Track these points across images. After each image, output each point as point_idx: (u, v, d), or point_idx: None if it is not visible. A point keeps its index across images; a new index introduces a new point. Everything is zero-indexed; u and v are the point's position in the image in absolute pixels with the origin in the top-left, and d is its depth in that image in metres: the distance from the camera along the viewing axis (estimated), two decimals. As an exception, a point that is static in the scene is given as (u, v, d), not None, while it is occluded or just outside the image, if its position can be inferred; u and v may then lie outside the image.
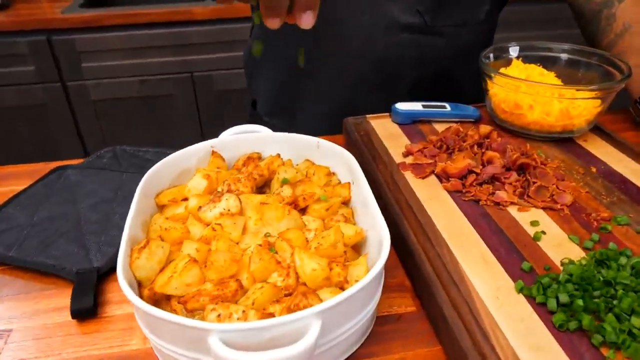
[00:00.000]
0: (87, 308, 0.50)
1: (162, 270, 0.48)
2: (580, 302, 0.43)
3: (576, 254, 0.50)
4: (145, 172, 0.73)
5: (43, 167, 0.77)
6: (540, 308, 0.44)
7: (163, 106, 1.98)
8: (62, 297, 0.54)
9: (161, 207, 0.59)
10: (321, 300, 0.44)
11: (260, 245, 0.49)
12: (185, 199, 0.59)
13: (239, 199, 0.54)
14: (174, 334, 0.41)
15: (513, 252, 0.51)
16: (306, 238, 0.51)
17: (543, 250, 0.51)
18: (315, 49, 0.86)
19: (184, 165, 0.63)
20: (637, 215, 0.55)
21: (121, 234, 0.60)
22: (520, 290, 0.46)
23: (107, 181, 0.71)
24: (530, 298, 0.45)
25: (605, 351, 0.40)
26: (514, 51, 0.75)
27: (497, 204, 0.57)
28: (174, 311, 0.45)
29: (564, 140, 0.70)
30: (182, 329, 0.40)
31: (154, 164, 0.75)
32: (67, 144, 1.99)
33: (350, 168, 0.60)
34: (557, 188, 0.59)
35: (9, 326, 0.50)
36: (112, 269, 0.57)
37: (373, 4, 0.82)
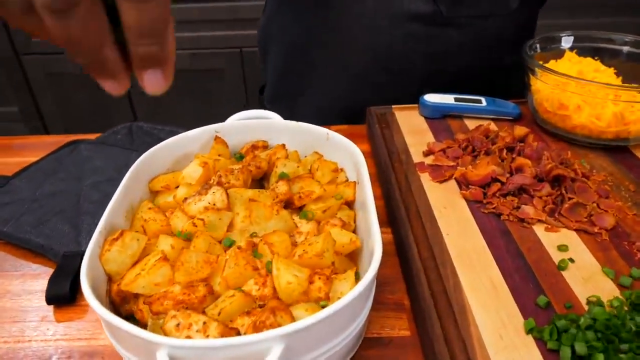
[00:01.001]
0: (62, 294, 0.49)
1: (133, 265, 0.45)
2: (601, 357, 0.35)
3: (608, 291, 0.42)
4: (155, 152, 0.71)
5: (63, 139, 0.77)
6: (551, 356, 0.37)
7: (212, 80, 1.97)
8: (46, 280, 0.52)
9: (154, 193, 0.56)
10: (292, 320, 0.39)
11: (239, 247, 0.44)
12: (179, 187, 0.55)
13: (227, 193, 0.49)
14: (127, 340, 0.38)
15: (530, 281, 0.43)
16: (294, 242, 0.46)
17: (567, 283, 0.43)
18: (315, 39, 0.79)
19: (184, 150, 0.59)
20: (694, 249, 0.45)
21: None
22: (529, 331, 0.38)
23: (115, 158, 0.69)
24: (540, 341, 0.38)
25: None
26: (566, 41, 0.65)
27: (522, 220, 0.49)
28: (140, 311, 0.42)
29: (616, 148, 0.60)
30: (133, 337, 0.36)
31: (165, 144, 0.74)
32: (118, 110, 2.04)
33: (356, 165, 0.54)
34: (598, 207, 0.50)
35: (-12, 305, 0.50)
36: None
37: None
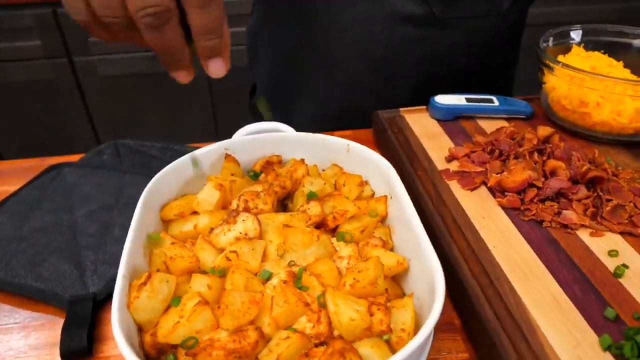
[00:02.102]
0: (80, 348, 0.43)
1: (166, 310, 0.40)
2: None
3: (669, 296, 0.41)
4: (149, 172, 0.65)
5: (38, 164, 0.69)
6: (633, 374, 0.35)
7: (174, 83, 1.88)
8: (53, 330, 0.46)
9: (166, 222, 0.51)
10: (361, 358, 0.35)
11: (284, 281, 0.40)
12: (195, 213, 0.50)
13: (258, 220, 0.45)
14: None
15: (591, 291, 0.42)
16: (339, 270, 0.43)
17: (628, 291, 0.42)
18: (308, 45, 0.76)
19: (192, 171, 0.54)
20: None
21: (121, 250, 0.53)
22: (607, 348, 0.37)
23: (106, 183, 0.63)
24: (620, 358, 0.36)
25: None
26: (576, 35, 0.64)
27: (565, 226, 0.48)
28: (181, 364, 0.37)
29: (635, 144, 0.60)
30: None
31: (159, 162, 0.68)
32: (74, 122, 1.91)
33: (387, 178, 0.51)
34: (635, 206, 0.49)
35: (-11, 367, 0.43)
36: (111, 295, 0.49)
37: None
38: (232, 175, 0.54)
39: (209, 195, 0.50)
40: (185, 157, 0.53)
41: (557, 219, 0.48)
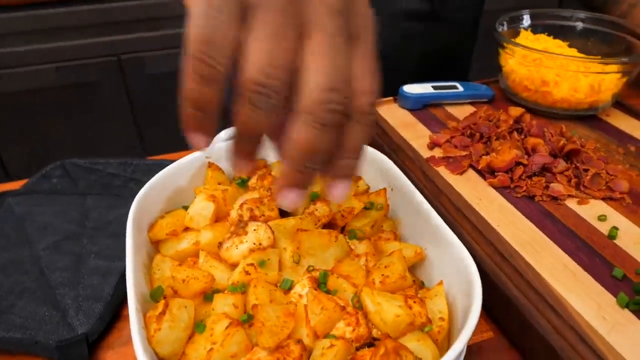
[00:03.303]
0: (87, 397, 0.38)
1: (190, 338, 0.36)
2: None
3: (660, 251, 0.45)
4: (114, 192, 0.60)
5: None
6: (656, 326, 0.38)
7: (86, 95, 1.74)
8: (41, 384, 0.40)
9: (155, 243, 0.46)
10: (413, 354, 0.35)
11: (315, 289, 0.38)
12: (187, 229, 0.46)
13: (270, 228, 0.42)
14: None
15: (595, 256, 0.44)
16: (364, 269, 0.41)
17: (625, 250, 0.45)
18: None
19: (175, 185, 0.50)
20: (702, 197, 0.51)
21: (104, 282, 0.47)
22: (625, 306, 0.39)
23: (66, 209, 0.56)
24: (638, 313, 0.39)
25: None
26: (526, 20, 0.68)
27: (555, 198, 0.50)
28: (220, 394, 0.34)
29: (588, 117, 0.65)
30: None
31: (121, 180, 0.62)
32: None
33: (385, 171, 0.50)
34: (607, 173, 0.53)
35: None
36: (104, 333, 0.44)
37: None
38: (219, 184, 0.50)
39: (202, 208, 0.46)
40: (170, 168, 0.48)
41: (547, 192, 0.51)
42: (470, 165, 0.55)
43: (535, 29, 0.69)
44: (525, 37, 0.68)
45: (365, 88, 0.29)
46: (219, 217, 0.47)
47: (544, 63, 0.61)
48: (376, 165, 0.51)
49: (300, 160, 0.29)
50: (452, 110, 0.66)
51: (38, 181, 0.61)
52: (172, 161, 0.50)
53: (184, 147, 0.45)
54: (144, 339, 0.34)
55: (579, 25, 0.68)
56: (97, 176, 0.62)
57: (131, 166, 0.64)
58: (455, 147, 0.57)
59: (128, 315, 0.45)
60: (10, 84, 1.62)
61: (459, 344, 0.33)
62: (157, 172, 0.48)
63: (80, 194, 0.58)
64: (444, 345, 0.38)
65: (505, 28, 0.66)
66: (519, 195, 0.51)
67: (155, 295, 0.40)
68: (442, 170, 0.55)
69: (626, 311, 0.39)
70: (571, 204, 0.50)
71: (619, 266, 0.43)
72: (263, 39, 0.26)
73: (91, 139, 1.76)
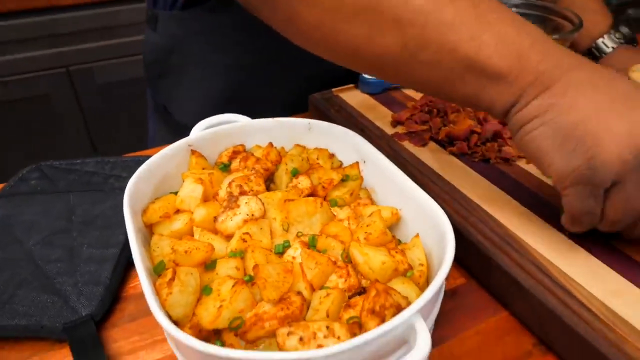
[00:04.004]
0: (102, 368, 0.40)
1: (198, 301, 0.39)
2: None
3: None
4: (96, 188, 0.61)
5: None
6: (601, 254, 0.45)
7: (37, 109, 1.69)
8: (53, 364, 0.42)
9: (149, 226, 0.49)
10: (401, 296, 0.39)
11: (307, 248, 0.42)
12: (178, 211, 0.49)
13: (260, 200, 0.46)
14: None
15: (545, 203, 0.51)
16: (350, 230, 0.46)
17: (570, 198, 0.52)
18: (267, 55, 0.77)
19: (162, 173, 0.52)
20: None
21: (101, 268, 0.50)
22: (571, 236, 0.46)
23: (50, 207, 0.57)
24: (587, 242, 0.45)
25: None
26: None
27: (506, 160, 0.57)
28: (231, 346, 0.37)
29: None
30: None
31: (101, 177, 0.64)
32: None
33: (356, 146, 0.55)
34: (550, 136, 0.60)
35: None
36: (107, 313, 0.46)
37: None
38: (203, 169, 0.54)
39: (191, 191, 0.49)
40: (155, 158, 0.51)
41: (500, 155, 0.57)
42: (431, 138, 0.61)
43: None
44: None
45: None
46: (206, 198, 0.50)
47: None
48: (348, 141, 0.56)
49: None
50: (409, 92, 0.72)
51: (16, 184, 0.62)
52: (147, 157, 0.53)
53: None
54: (158, 305, 0.37)
55: (514, 10, 0.76)
56: (76, 175, 0.63)
57: (108, 164, 0.65)
58: (416, 122, 0.62)
59: (128, 296, 0.48)
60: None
61: (441, 275, 0.37)
62: (135, 167, 0.49)
63: (63, 191, 0.60)
64: (425, 288, 0.43)
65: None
66: (476, 160, 0.57)
67: (158, 269, 0.42)
68: (407, 144, 0.60)
69: (572, 243, 0.46)
70: (521, 163, 0.57)
71: (566, 211, 0.50)
72: None
73: (45, 151, 1.71)
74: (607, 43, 0.80)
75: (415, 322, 0.35)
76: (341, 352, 0.32)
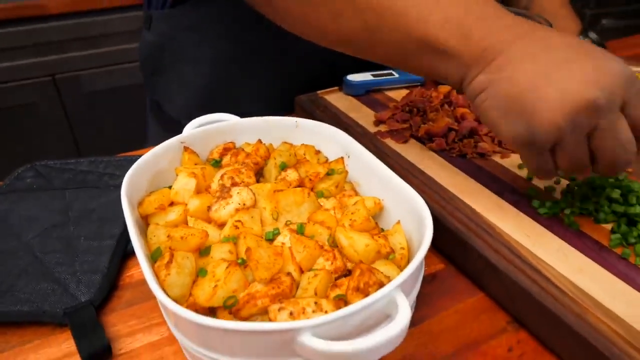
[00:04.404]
0: (103, 347, 0.42)
1: (194, 283, 0.42)
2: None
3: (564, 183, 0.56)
4: (91, 185, 0.63)
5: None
6: (568, 237, 0.48)
7: (25, 117, 1.70)
8: (51, 347, 0.44)
9: (145, 218, 0.51)
10: (383, 274, 0.42)
11: (297, 233, 0.45)
12: (172, 204, 0.52)
13: (252, 190, 0.49)
14: (255, 343, 0.36)
15: (517, 194, 0.54)
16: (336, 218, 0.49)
17: (540, 188, 0.55)
18: (253, 51, 0.80)
19: (156, 168, 0.55)
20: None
21: (98, 258, 0.52)
22: (543, 214, 0.50)
23: (47, 203, 0.59)
24: (555, 226, 0.49)
25: (633, 259, 0.46)
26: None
27: (482, 155, 0.61)
28: (225, 324, 0.40)
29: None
30: (265, 335, 0.35)
31: (95, 175, 0.66)
32: None
33: (341, 142, 0.58)
34: (522, 133, 0.64)
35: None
36: (105, 300, 0.48)
37: None
38: (195, 164, 0.56)
39: (185, 184, 0.52)
40: (149, 154, 0.54)
41: (476, 151, 0.61)
42: (412, 135, 0.64)
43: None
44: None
45: None
46: (199, 191, 0.53)
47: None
48: (333, 138, 0.59)
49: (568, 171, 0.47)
50: (390, 94, 0.76)
51: (12, 182, 0.64)
52: (139, 156, 0.55)
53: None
54: (158, 285, 0.39)
55: (489, 16, 0.81)
56: (70, 174, 0.66)
57: (102, 163, 0.68)
58: (397, 121, 0.66)
59: (125, 284, 0.51)
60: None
61: (421, 253, 0.40)
62: (128, 166, 0.52)
63: (58, 189, 0.62)
64: (406, 270, 0.46)
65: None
66: (453, 155, 0.61)
67: (155, 255, 0.45)
68: (389, 142, 0.64)
69: (542, 228, 0.49)
70: (496, 158, 0.61)
71: (536, 199, 0.53)
72: None
73: (32, 158, 1.71)
74: (576, 48, 0.85)
75: (397, 296, 0.38)
76: (327, 322, 0.35)
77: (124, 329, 0.46)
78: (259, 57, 0.82)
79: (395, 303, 0.38)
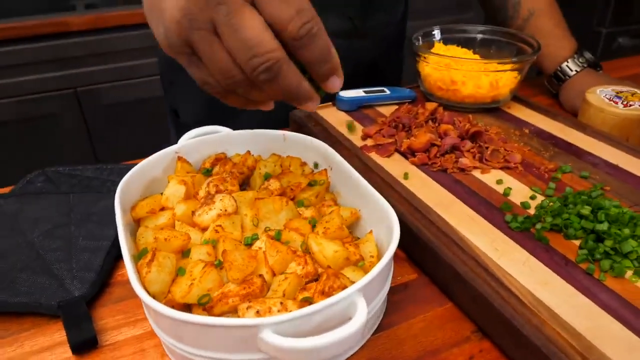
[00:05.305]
0: (89, 338, 0.46)
1: (173, 281, 0.45)
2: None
3: (539, 200, 0.58)
4: (95, 190, 0.68)
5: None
6: (536, 251, 0.50)
7: (46, 128, 1.78)
8: (47, 336, 0.48)
9: (137, 221, 0.55)
10: (349, 279, 0.45)
11: (272, 238, 0.49)
12: (163, 209, 0.56)
13: (233, 198, 0.52)
14: (219, 337, 0.39)
15: (493, 208, 0.56)
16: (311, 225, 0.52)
17: (516, 203, 0.57)
18: None
19: (151, 175, 0.59)
20: (574, 163, 0.65)
21: (93, 257, 0.56)
22: (515, 229, 0.52)
23: (53, 205, 0.64)
24: (525, 241, 0.51)
25: (597, 274, 0.47)
26: (437, 34, 0.83)
27: (462, 170, 0.63)
28: (199, 320, 0.43)
29: (493, 109, 0.79)
30: (229, 330, 0.38)
31: (99, 181, 0.71)
32: None
33: (324, 155, 0.61)
34: (505, 149, 0.66)
35: (-7, 380, 0.44)
36: (97, 296, 0.52)
37: None
38: (187, 173, 0.60)
39: (175, 190, 0.56)
40: (145, 162, 0.58)
41: (456, 166, 0.63)
42: (396, 150, 0.67)
43: (445, 41, 0.84)
44: (439, 48, 0.82)
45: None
46: (188, 198, 0.56)
47: (452, 67, 0.75)
48: (317, 151, 0.62)
49: (287, 98, 0.43)
50: (381, 110, 0.79)
51: (24, 186, 0.69)
52: None
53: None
54: (138, 280, 0.43)
55: (480, 36, 0.84)
56: (77, 180, 0.70)
57: (106, 170, 0.72)
58: (384, 136, 0.69)
59: (116, 282, 0.54)
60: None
61: (384, 260, 0.43)
62: None
63: (65, 193, 0.66)
64: (375, 277, 0.49)
65: (420, 41, 0.81)
66: (435, 170, 0.63)
67: (141, 255, 0.48)
68: (374, 155, 0.67)
69: (512, 242, 0.51)
70: (476, 173, 0.63)
71: (510, 214, 0.55)
72: None
73: (52, 165, 1.79)
74: (570, 67, 0.87)
75: (357, 299, 0.41)
76: (287, 320, 0.38)
77: (111, 323, 0.49)
78: None
79: (356, 305, 0.40)
